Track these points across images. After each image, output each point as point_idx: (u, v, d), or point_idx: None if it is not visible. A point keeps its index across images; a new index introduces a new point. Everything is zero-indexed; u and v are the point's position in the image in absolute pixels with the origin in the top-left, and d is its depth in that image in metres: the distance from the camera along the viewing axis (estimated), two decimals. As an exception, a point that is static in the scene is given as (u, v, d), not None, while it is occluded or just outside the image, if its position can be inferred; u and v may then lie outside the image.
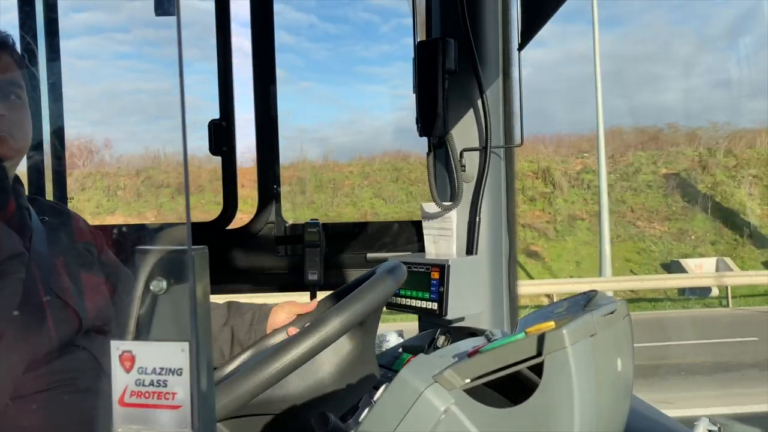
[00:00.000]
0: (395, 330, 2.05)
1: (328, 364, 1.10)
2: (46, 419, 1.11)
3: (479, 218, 1.77)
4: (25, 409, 1.10)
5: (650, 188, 21.97)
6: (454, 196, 1.75)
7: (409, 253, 2.00)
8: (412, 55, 1.77)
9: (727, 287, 14.72)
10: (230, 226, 2.14)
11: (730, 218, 21.02)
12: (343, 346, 1.10)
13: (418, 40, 1.78)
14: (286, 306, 1.40)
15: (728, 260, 18.02)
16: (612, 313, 0.77)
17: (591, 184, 22.16)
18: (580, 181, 22.50)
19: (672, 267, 18.40)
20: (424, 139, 1.83)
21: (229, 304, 1.46)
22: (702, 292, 15.41)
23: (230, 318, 1.43)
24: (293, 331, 1.33)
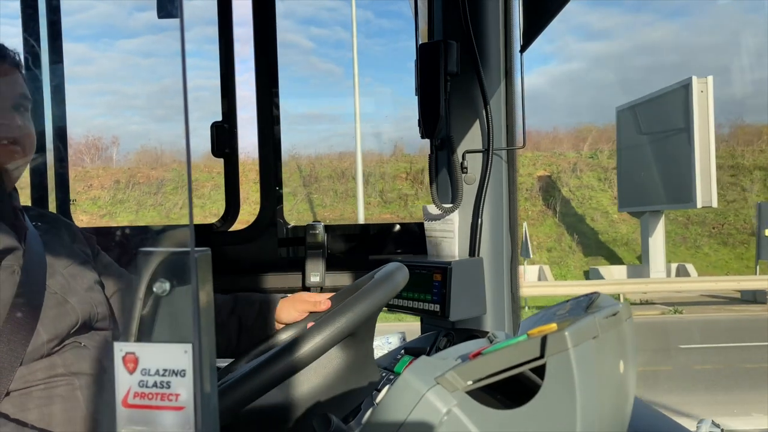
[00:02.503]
0: (397, 332, 2.05)
1: (326, 368, 1.10)
2: (42, 414, 1.12)
3: (481, 220, 1.77)
4: (20, 403, 1.11)
5: (519, 191, 21.67)
6: (454, 199, 1.75)
7: (411, 254, 2.01)
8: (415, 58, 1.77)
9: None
10: (232, 228, 2.15)
11: (574, 224, 20.78)
12: (340, 350, 1.10)
13: (420, 42, 1.78)
14: (297, 302, 1.40)
15: (546, 269, 17.77)
16: (614, 315, 0.77)
17: None
18: None
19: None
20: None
21: (236, 295, 1.49)
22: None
23: (237, 307, 1.45)
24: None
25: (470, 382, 0.68)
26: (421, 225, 1.89)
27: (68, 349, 1.18)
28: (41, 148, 2.04)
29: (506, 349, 0.68)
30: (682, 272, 17.44)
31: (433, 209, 1.80)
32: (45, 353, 1.14)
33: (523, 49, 1.73)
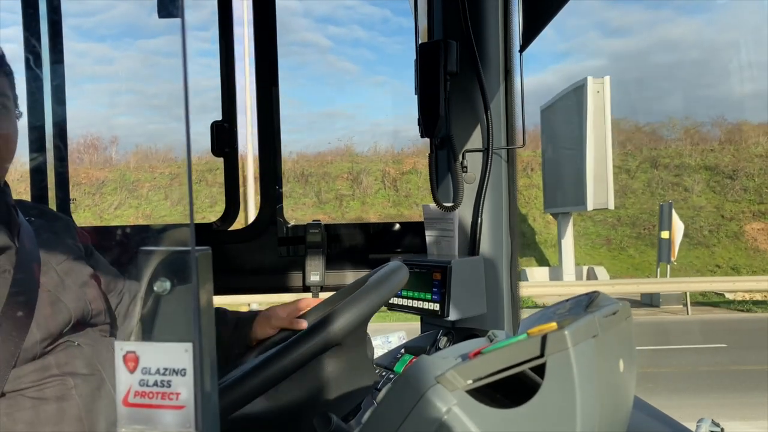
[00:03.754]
0: (397, 331, 2.05)
1: (320, 376, 1.10)
2: (37, 416, 1.12)
3: (481, 219, 1.77)
4: (15, 405, 1.10)
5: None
6: (455, 198, 1.75)
7: (411, 253, 2.01)
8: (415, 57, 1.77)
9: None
10: (233, 227, 2.15)
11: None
12: (332, 357, 1.09)
13: (420, 42, 1.78)
14: (272, 318, 1.39)
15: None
16: (614, 314, 0.77)
17: (409, 185, 21.71)
18: (404, 182, 21.95)
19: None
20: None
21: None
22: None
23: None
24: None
25: (470, 381, 0.68)
26: (421, 224, 1.89)
27: (61, 348, 1.17)
28: (41, 148, 2.04)
29: (506, 348, 0.68)
30: (591, 275, 16.95)
31: (432, 208, 1.80)
32: (38, 353, 1.13)
33: (522, 48, 1.73)
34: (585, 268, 17.52)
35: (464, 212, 1.78)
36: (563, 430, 0.66)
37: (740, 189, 21.34)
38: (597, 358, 0.70)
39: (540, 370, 0.66)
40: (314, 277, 2.02)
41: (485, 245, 1.78)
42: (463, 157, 1.77)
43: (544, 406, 0.66)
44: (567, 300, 0.87)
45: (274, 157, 2.12)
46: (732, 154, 22.28)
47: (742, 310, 14.10)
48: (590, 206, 14.89)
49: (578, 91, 14.97)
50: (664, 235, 15.19)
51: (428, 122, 1.73)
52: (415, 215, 20.14)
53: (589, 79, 14.71)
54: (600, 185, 14.75)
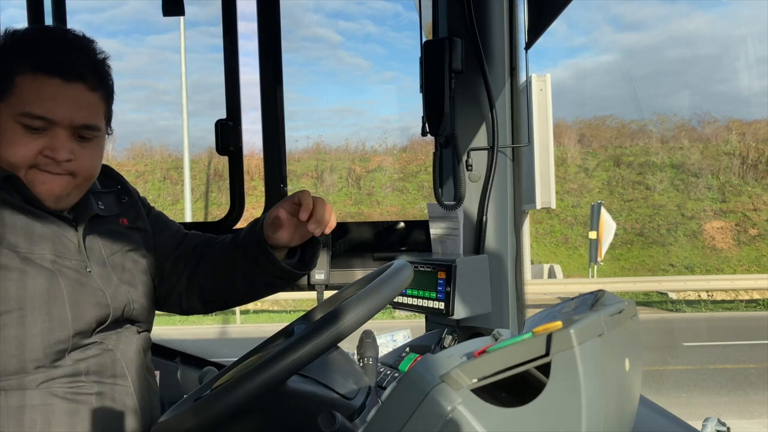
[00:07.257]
0: (403, 329, 2.05)
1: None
2: (63, 417, 1.14)
3: (486, 218, 1.76)
4: (44, 404, 1.12)
5: (422, 189, 21.17)
6: (459, 196, 1.75)
7: (416, 252, 2.00)
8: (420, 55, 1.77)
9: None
10: (237, 226, 2.15)
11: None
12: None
13: (425, 39, 1.78)
14: (272, 215, 1.32)
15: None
16: (620, 312, 0.77)
17: (373, 183, 21.55)
18: (368, 180, 21.76)
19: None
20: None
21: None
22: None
23: (234, 239, 1.42)
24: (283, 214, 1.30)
25: (475, 380, 0.67)
26: (426, 223, 1.89)
27: (93, 352, 1.19)
28: None
29: (511, 347, 0.68)
30: (551, 274, 16.89)
31: (437, 207, 1.79)
32: (70, 348, 1.15)
33: (527, 46, 1.72)
34: (546, 266, 17.57)
35: (469, 211, 1.78)
36: (568, 429, 0.65)
37: (704, 187, 20.96)
38: (602, 357, 0.69)
39: (545, 369, 0.66)
40: (319, 276, 2.02)
41: (490, 244, 1.77)
42: (468, 156, 1.76)
43: (550, 405, 0.65)
44: (572, 298, 0.87)
45: (279, 156, 2.12)
46: (701, 152, 21.93)
47: (671, 310, 13.97)
48: (539, 205, 14.90)
49: (527, 89, 14.90)
50: (592, 235, 15.18)
51: (433, 120, 1.72)
52: (375, 214, 20.06)
53: (534, 77, 14.60)
54: (544, 184, 14.74)
